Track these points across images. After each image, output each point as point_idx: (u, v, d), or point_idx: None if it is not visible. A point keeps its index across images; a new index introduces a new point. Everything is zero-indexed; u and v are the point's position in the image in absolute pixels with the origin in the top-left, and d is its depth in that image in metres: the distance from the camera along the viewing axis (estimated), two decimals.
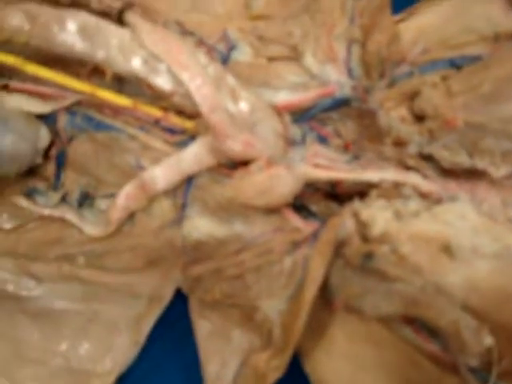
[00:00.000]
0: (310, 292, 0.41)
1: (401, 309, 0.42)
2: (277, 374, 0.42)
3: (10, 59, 0.45)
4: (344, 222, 0.42)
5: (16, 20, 0.44)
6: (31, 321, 0.47)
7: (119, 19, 0.47)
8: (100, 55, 0.45)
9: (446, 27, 0.46)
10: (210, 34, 0.50)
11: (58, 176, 0.50)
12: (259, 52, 0.49)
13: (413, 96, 0.45)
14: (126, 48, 0.44)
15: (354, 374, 0.43)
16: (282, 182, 0.44)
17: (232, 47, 0.49)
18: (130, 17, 0.46)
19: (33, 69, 0.45)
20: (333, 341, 0.44)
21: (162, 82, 0.44)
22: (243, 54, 0.49)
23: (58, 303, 0.48)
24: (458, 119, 0.43)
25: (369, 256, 0.42)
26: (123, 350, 0.47)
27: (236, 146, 0.44)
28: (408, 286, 0.41)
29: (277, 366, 0.42)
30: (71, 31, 0.44)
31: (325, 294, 0.44)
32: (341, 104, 0.47)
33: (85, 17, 0.45)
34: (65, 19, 0.45)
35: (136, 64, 0.44)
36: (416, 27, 0.47)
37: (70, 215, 0.48)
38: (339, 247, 0.43)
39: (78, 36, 0.45)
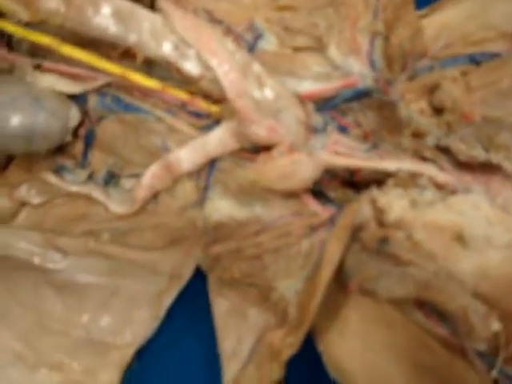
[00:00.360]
0: (326, 273, 0.43)
1: (413, 292, 0.43)
2: (291, 351, 0.44)
3: (45, 40, 0.47)
4: (361, 207, 0.44)
5: (52, 2, 0.46)
6: (55, 292, 0.49)
7: (151, 5, 0.48)
8: (132, 39, 0.46)
9: (467, 24, 0.48)
10: (238, 23, 0.51)
11: (85, 154, 0.52)
12: (285, 42, 0.51)
13: (433, 89, 0.47)
14: (157, 33, 0.46)
15: (365, 353, 0.45)
16: (302, 168, 0.46)
17: (258, 36, 0.51)
18: (162, 3, 0.47)
19: (68, 50, 0.47)
20: (346, 322, 0.46)
21: (191, 67, 0.46)
22: (269, 44, 0.51)
23: (82, 276, 0.49)
24: (476, 113, 0.44)
25: (384, 241, 0.43)
26: (143, 323, 0.49)
27: (260, 131, 0.46)
28: (421, 270, 0.42)
29: (291, 343, 0.44)
30: (105, 15, 0.46)
31: (340, 276, 0.45)
32: (362, 95, 0.49)
33: (119, 1, 0.46)
34: (99, 3, 0.46)
35: (166, 48, 0.46)
36: (438, 23, 0.49)
37: (97, 193, 0.50)
38: (356, 232, 0.44)
39: (111, 19, 0.46)
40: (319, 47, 0.50)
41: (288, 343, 0.44)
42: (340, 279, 0.45)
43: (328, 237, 0.46)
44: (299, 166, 0.46)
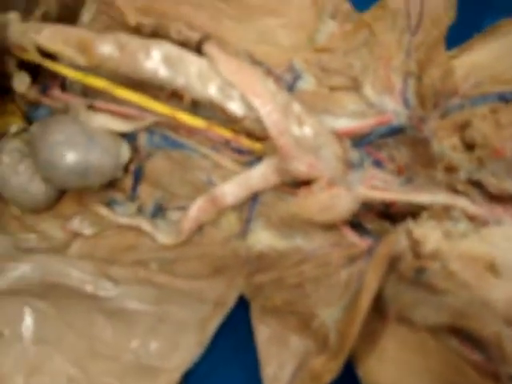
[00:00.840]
0: (366, 302, 0.45)
1: (449, 319, 0.45)
2: (331, 376, 0.46)
3: (101, 83, 0.50)
4: (398, 239, 0.47)
5: (107, 48, 0.49)
6: (106, 319, 0.52)
7: (197, 49, 0.52)
8: (180, 81, 0.49)
9: (496, 64, 0.50)
10: (278, 65, 0.55)
11: (134, 189, 0.55)
12: (322, 82, 0.54)
13: (464, 126, 0.49)
14: (203, 76, 0.49)
15: (402, 379, 0.47)
16: (341, 201, 0.49)
17: (297, 77, 0.54)
18: (208, 47, 0.51)
19: (121, 92, 0.50)
20: (385, 348, 0.48)
21: (235, 108, 0.49)
22: (307, 84, 0.54)
23: (132, 304, 0.52)
24: (506, 149, 0.47)
25: (421, 271, 0.45)
26: (189, 349, 0.52)
27: (301, 167, 0.49)
28: (456, 298, 0.44)
29: (332, 369, 0.46)
30: (156, 59, 0.49)
31: (379, 305, 0.47)
32: (396, 131, 0.51)
33: (168, 47, 0.50)
34: (150, 48, 0.50)
35: (212, 90, 0.49)
36: (468, 63, 0.52)
37: (145, 224, 0.53)
38: (393, 262, 0.46)
39: (161, 64, 0.49)
40: (355, 86, 0.53)
41: (329, 368, 0.46)
42: (378, 307, 0.47)
43: (366, 267, 0.48)
44: (338, 200, 0.48)
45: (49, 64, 0.50)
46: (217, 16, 0.57)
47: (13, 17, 0.48)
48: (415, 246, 0.46)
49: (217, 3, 0.58)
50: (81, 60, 0.50)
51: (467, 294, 0.44)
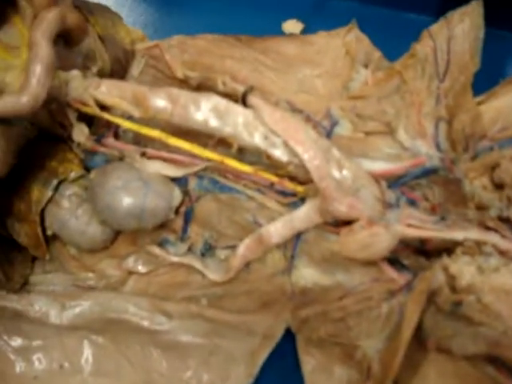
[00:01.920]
0: (407, 333, 0.48)
1: (485, 349, 0.48)
2: None
3: (155, 133, 0.55)
4: (436, 274, 0.50)
5: (161, 102, 0.54)
6: (161, 352, 0.55)
7: (242, 100, 0.56)
8: (228, 130, 0.53)
9: None
10: (316, 112, 0.59)
11: (185, 229, 0.59)
12: (358, 127, 0.58)
13: (493, 167, 0.53)
14: (249, 125, 0.53)
15: None
16: (380, 239, 0.52)
17: (335, 123, 0.58)
18: (252, 99, 0.55)
19: (174, 141, 0.55)
20: (425, 377, 0.51)
21: (280, 154, 0.53)
22: (344, 129, 0.58)
23: (185, 337, 0.55)
24: None
25: (457, 304, 0.49)
26: (239, 379, 0.55)
27: (341, 208, 0.53)
28: (491, 329, 0.47)
29: None
30: (205, 111, 0.54)
31: (419, 335, 0.51)
32: (429, 173, 0.55)
33: (216, 99, 0.54)
34: (200, 101, 0.54)
35: (257, 139, 0.53)
36: (495, 108, 0.55)
37: (196, 262, 0.57)
38: (432, 296, 0.50)
39: (211, 115, 0.54)
40: (389, 131, 0.57)
41: None
42: (418, 338, 0.51)
43: (406, 300, 0.52)
44: (377, 238, 0.52)
45: (107, 116, 0.54)
46: (258, 68, 0.61)
47: (75, 74, 0.53)
48: (451, 280, 0.50)
49: (257, 56, 0.62)
50: (136, 112, 0.54)
51: (501, 325, 0.47)
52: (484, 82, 0.57)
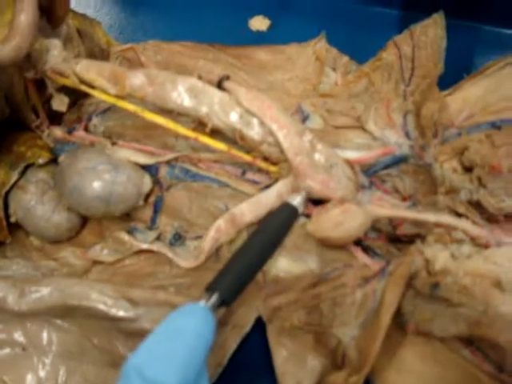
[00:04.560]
0: (386, 318, 0.45)
1: (466, 330, 0.45)
2: None
3: (131, 106, 0.52)
4: (414, 259, 0.47)
5: (137, 80, 0.52)
6: (124, 338, 0.50)
7: (218, 87, 0.55)
8: (203, 110, 0.51)
9: (487, 97, 0.54)
10: (287, 108, 0.58)
11: (154, 219, 0.55)
12: (328, 122, 0.57)
13: (462, 151, 0.52)
14: (225, 105, 0.51)
15: None
16: (353, 216, 0.50)
17: (305, 117, 0.57)
18: (228, 84, 0.53)
19: (149, 115, 0.52)
20: (403, 360, 0.47)
21: (253, 133, 0.51)
22: (315, 124, 0.57)
23: (150, 325, 0.50)
24: (503, 165, 0.49)
25: (435, 286, 0.46)
26: (209, 369, 0.50)
27: (314, 185, 0.50)
28: (471, 310, 0.44)
29: (354, 383, 0.45)
30: (182, 90, 0.52)
31: (397, 320, 0.47)
32: (399, 161, 0.54)
33: (194, 80, 0.52)
34: (177, 80, 0.52)
35: (233, 118, 0.51)
36: (461, 98, 0.55)
37: (165, 249, 0.53)
38: (409, 280, 0.47)
39: (187, 94, 0.52)
40: (359, 125, 0.56)
41: (351, 382, 0.45)
42: (397, 323, 0.47)
43: (380, 286, 0.49)
44: (350, 215, 0.50)
45: (84, 88, 0.52)
46: (230, 69, 0.61)
47: (56, 43, 0.51)
48: (427, 264, 0.47)
49: (230, 60, 0.62)
50: (112, 89, 0.51)
51: (481, 305, 0.44)
52: (452, 75, 0.57)
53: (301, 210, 0.50)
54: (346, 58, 0.61)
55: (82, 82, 0.51)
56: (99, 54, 0.59)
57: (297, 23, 0.62)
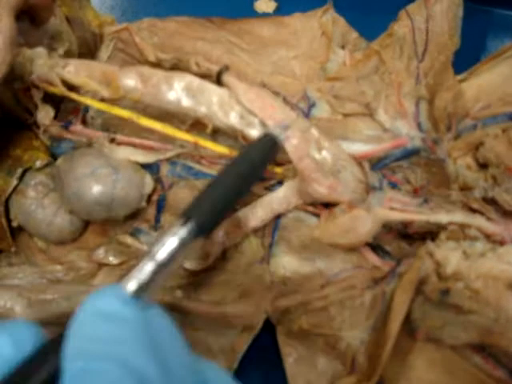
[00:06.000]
0: (395, 325, 0.43)
1: (477, 338, 0.43)
2: None
3: (126, 113, 0.49)
4: (423, 263, 0.45)
5: (131, 81, 0.48)
6: None
7: (217, 80, 0.51)
8: (202, 110, 0.47)
9: (504, 85, 0.49)
10: (292, 94, 0.54)
11: (157, 219, 0.53)
12: (336, 109, 0.53)
13: (477, 146, 0.48)
14: (225, 104, 0.47)
15: None
16: (362, 223, 0.47)
17: (312, 105, 0.53)
18: (227, 78, 0.49)
19: (145, 121, 0.48)
20: (413, 368, 0.45)
21: (256, 134, 0.48)
22: (322, 111, 0.53)
23: None
24: None
25: (445, 292, 0.43)
26: None
27: (321, 189, 0.47)
28: (482, 317, 0.42)
29: None
30: (178, 90, 0.48)
31: (406, 326, 0.45)
32: (411, 154, 0.50)
33: (190, 78, 0.48)
34: (172, 80, 0.48)
35: (233, 118, 0.47)
36: (477, 86, 0.50)
37: None
38: (419, 285, 0.44)
39: (183, 94, 0.48)
40: (368, 113, 0.52)
41: None
42: (406, 328, 0.45)
43: (390, 288, 0.47)
44: (359, 222, 0.47)
45: (74, 96, 0.48)
46: (231, 50, 0.56)
47: (40, 51, 0.47)
48: (437, 267, 0.45)
49: (230, 38, 0.57)
50: (105, 92, 0.48)
51: (493, 312, 0.42)
52: (466, 59, 0.52)
53: (282, 138, 0.45)
54: (355, 34, 0.56)
55: (72, 88, 0.46)
56: (91, 39, 0.54)
57: (303, 5, 0.56)
